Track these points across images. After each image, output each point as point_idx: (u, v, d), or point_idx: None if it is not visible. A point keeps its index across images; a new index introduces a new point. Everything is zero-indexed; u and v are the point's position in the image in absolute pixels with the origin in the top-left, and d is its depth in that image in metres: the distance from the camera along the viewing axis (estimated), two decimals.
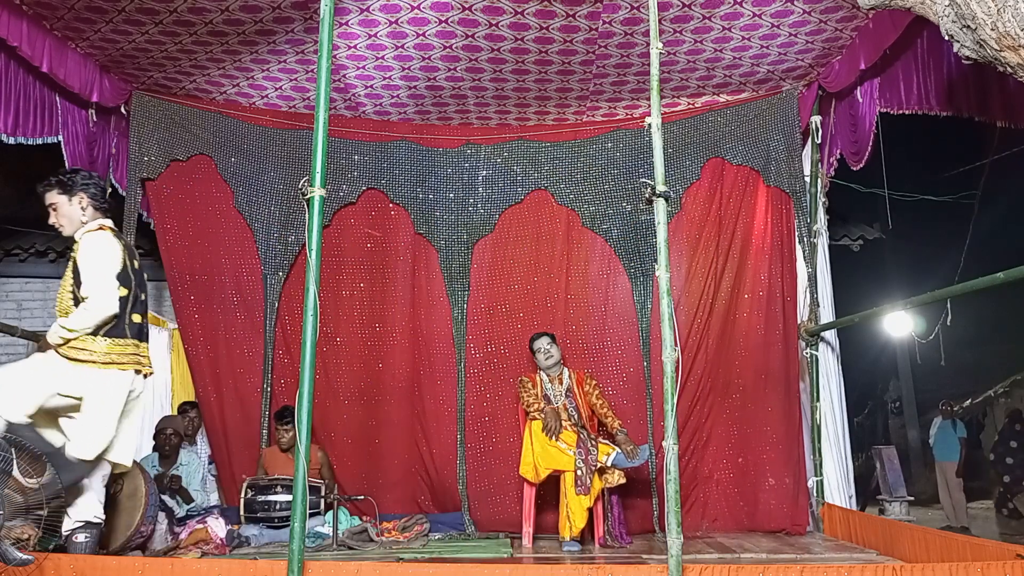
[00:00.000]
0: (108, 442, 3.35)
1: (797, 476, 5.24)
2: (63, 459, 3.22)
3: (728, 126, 5.71)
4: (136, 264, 3.56)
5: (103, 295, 3.32)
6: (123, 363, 3.37)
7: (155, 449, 5.28)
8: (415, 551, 4.44)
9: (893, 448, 9.43)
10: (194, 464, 5.34)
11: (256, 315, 5.68)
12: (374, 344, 5.78)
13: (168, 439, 5.22)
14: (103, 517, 3.57)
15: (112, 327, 3.37)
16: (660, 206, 3.21)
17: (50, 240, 7.55)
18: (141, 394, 3.56)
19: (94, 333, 3.34)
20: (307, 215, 3.14)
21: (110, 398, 3.34)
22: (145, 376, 3.57)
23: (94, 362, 3.31)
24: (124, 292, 3.41)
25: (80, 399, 3.31)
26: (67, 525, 3.38)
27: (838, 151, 5.48)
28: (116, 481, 4.00)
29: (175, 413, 5.97)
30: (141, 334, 3.54)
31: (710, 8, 4.52)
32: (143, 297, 3.58)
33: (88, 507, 3.44)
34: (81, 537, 3.40)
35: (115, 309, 3.34)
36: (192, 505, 5.17)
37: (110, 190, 5.55)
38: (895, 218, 6.70)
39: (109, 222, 3.60)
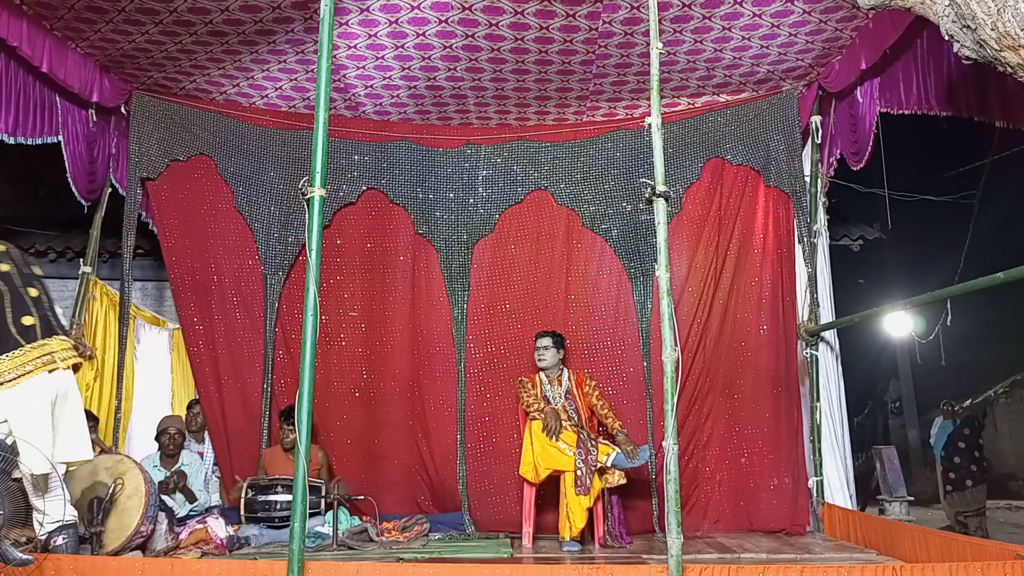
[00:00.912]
0: (49, 450, 3.25)
1: (797, 476, 5.24)
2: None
3: (728, 126, 5.71)
4: (7, 267, 3.43)
5: None
6: (29, 371, 3.28)
7: (159, 448, 5.28)
8: (415, 551, 4.44)
9: (893, 448, 9.42)
10: (196, 464, 5.33)
11: (256, 315, 5.68)
12: (374, 344, 5.78)
13: (172, 439, 5.22)
14: (76, 514, 3.53)
15: None
16: (660, 206, 3.22)
17: (50, 240, 7.56)
18: (69, 390, 3.44)
19: None
20: (307, 215, 3.14)
21: (30, 411, 3.25)
22: (69, 368, 3.46)
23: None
24: None
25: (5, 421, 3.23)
26: (42, 531, 3.32)
27: (838, 151, 5.48)
28: (116, 480, 4.01)
29: (175, 412, 5.97)
30: (48, 329, 3.43)
31: (710, 8, 4.52)
32: (33, 294, 3.46)
33: (57, 508, 3.37)
34: (60, 539, 3.35)
35: None
36: (194, 505, 5.17)
37: (110, 190, 5.61)
38: (895, 218, 6.71)
39: None
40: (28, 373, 3.29)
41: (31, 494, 3.31)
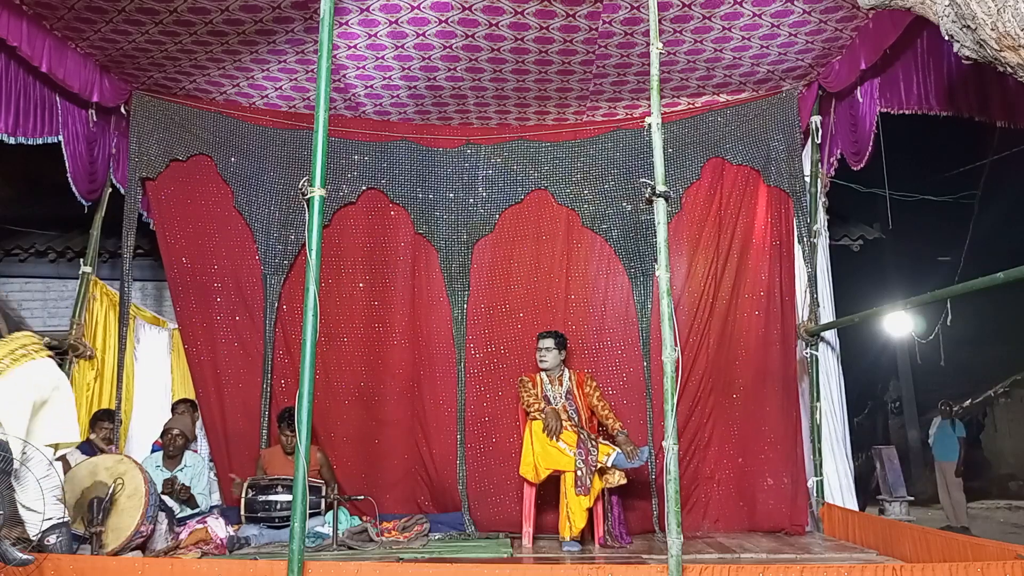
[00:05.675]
0: (19, 443, 3.22)
1: (796, 476, 5.24)
2: None
3: (728, 126, 5.71)
4: None
5: None
6: (4, 370, 3.27)
7: (163, 448, 5.28)
8: (415, 551, 4.44)
9: (893, 448, 9.44)
10: (199, 466, 5.32)
11: (256, 315, 5.68)
12: (374, 344, 5.78)
13: (173, 439, 5.21)
14: (67, 514, 3.50)
15: None
16: (660, 206, 3.22)
17: (50, 240, 7.56)
18: (60, 378, 3.45)
19: None
20: (307, 215, 3.14)
21: (15, 402, 3.25)
22: (46, 357, 3.48)
23: None
24: None
25: None
26: (34, 530, 3.28)
27: (838, 151, 5.48)
28: (116, 480, 4.01)
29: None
30: (12, 327, 3.45)
31: (710, 8, 4.52)
32: None
33: (48, 507, 3.32)
34: (53, 539, 3.33)
35: None
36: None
37: (110, 190, 5.61)
38: (895, 218, 6.71)
39: None
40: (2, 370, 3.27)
41: (18, 493, 3.27)
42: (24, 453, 3.27)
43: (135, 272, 5.84)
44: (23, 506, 3.29)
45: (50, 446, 3.44)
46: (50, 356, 3.53)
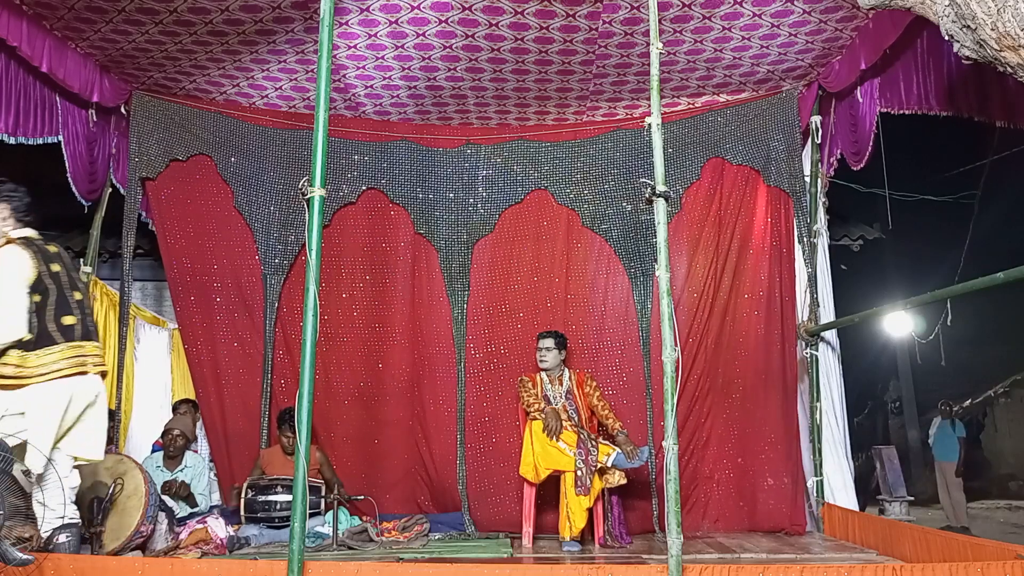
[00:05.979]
0: (48, 451, 3.28)
1: (796, 476, 5.24)
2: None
3: (728, 126, 5.70)
4: (57, 267, 3.50)
5: (3, 318, 3.24)
6: (59, 370, 3.32)
7: (163, 448, 5.28)
8: (415, 551, 4.45)
9: (893, 448, 9.44)
10: (199, 466, 5.32)
11: (256, 315, 5.68)
12: (374, 344, 5.78)
13: (174, 440, 5.21)
14: (78, 517, 3.55)
15: (36, 340, 3.30)
16: (660, 206, 3.22)
17: (50, 240, 7.54)
18: (100, 395, 3.51)
19: (25, 348, 3.28)
20: (307, 215, 3.14)
21: (49, 410, 3.29)
22: (98, 374, 3.52)
23: (27, 377, 3.26)
24: (37, 298, 3.35)
25: (23, 414, 3.27)
26: (45, 527, 3.32)
27: (838, 151, 5.48)
28: (116, 480, 4.01)
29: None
30: (86, 333, 3.49)
31: (710, 8, 4.52)
32: (77, 297, 3.53)
33: (61, 507, 3.39)
34: (63, 538, 3.36)
35: (19, 332, 3.26)
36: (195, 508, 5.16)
37: (110, 190, 5.61)
38: (895, 218, 6.72)
39: (28, 232, 3.55)
40: (58, 372, 3.32)
41: (28, 490, 3.31)
42: (50, 460, 3.33)
43: (135, 272, 5.85)
44: (39, 503, 3.33)
45: (69, 456, 3.49)
46: (101, 373, 3.57)
